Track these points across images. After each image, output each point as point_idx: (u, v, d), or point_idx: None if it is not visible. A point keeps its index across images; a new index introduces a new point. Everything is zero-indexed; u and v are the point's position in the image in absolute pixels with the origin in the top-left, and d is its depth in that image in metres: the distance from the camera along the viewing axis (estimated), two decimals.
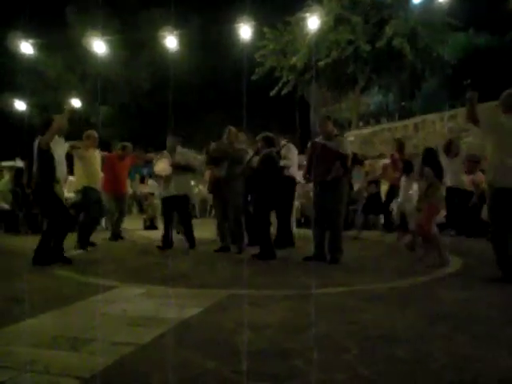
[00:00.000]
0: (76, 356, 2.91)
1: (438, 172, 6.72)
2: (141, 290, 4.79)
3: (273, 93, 19.36)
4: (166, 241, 8.10)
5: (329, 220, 6.64)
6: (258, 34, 16.10)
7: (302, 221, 12.31)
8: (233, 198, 7.60)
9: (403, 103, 20.90)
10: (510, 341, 3.18)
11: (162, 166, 8.05)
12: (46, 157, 6.27)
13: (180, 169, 7.99)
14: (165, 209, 8.25)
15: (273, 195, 7.15)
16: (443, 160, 7.91)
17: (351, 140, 17.40)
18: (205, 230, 9.88)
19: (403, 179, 8.68)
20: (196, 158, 8.83)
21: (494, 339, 3.20)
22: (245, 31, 11.99)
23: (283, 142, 8.34)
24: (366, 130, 18.16)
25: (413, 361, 2.80)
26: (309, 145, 7.24)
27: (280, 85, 19.17)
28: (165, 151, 8.28)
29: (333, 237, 6.66)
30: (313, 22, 12.99)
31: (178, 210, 8.25)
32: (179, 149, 8.23)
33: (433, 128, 14.68)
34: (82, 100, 18.66)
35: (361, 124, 20.17)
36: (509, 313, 3.95)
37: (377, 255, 7.64)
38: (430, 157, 6.87)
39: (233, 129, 7.92)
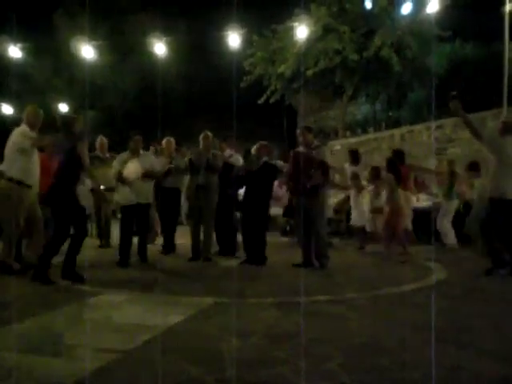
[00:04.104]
0: (60, 362, 2.90)
1: (398, 178, 7.68)
2: (126, 297, 4.77)
3: (261, 101, 19.41)
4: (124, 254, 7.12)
5: (312, 228, 6.71)
6: (247, 41, 16.12)
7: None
8: (209, 206, 7.56)
9: (390, 113, 21.01)
10: (494, 350, 3.21)
11: (131, 169, 7.13)
12: (76, 159, 5.64)
13: (149, 176, 7.32)
14: (125, 217, 7.29)
15: (267, 201, 7.41)
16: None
17: (337, 149, 17.50)
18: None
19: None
20: (156, 161, 7.85)
21: (478, 348, 3.23)
22: (233, 39, 12.05)
23: None
24: (353, 140, 18.22)
25: (397, 370, 2.82)
26: (291, 154, 7.25)
27: (268, 93, 19.22)
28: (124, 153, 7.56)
29: (316, 244, 6.78)
30: (301, 31, 13.06)
31: (138, 218, 7.27)
32: (141, 151, 7.47)
33: (420, 138, 14.78)
34: (70, 105, 18.63)
35: (348, 133, 20.24)
36: (493, 322, 3.99)
37: (363, 263, 7.66)
38: (392, 165, 7.79)
39: (209, 134, 7.73)
